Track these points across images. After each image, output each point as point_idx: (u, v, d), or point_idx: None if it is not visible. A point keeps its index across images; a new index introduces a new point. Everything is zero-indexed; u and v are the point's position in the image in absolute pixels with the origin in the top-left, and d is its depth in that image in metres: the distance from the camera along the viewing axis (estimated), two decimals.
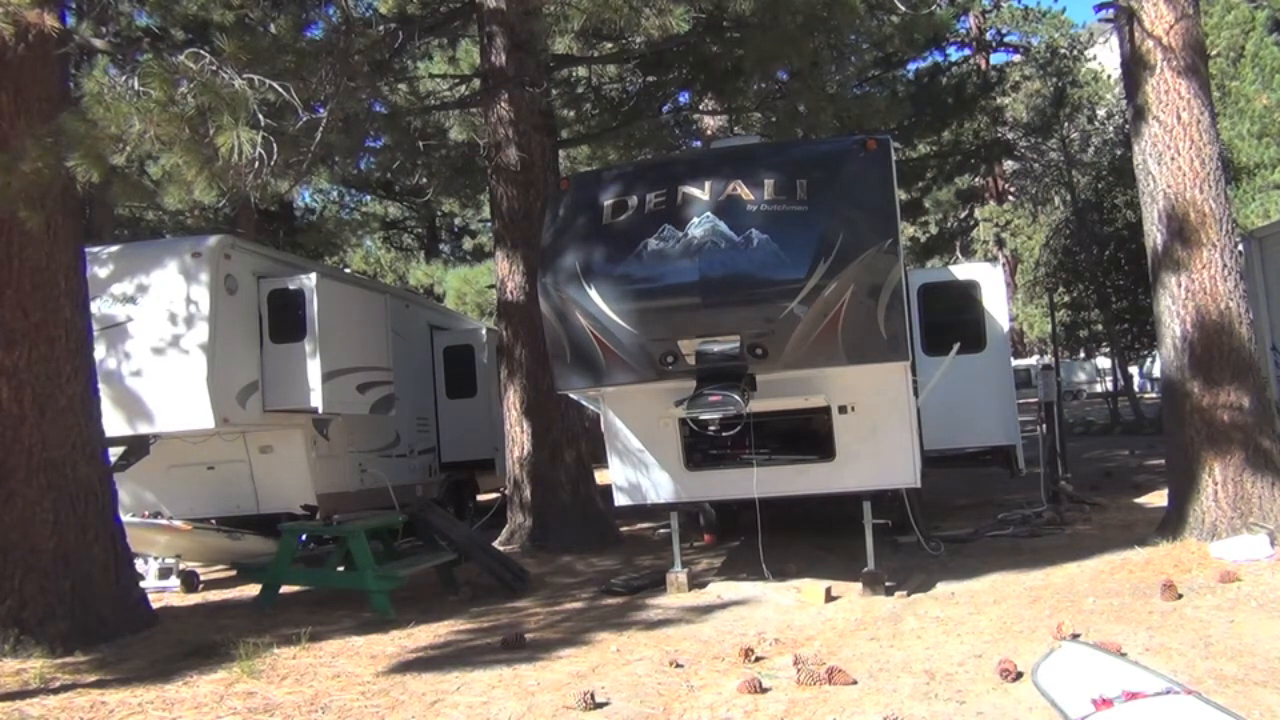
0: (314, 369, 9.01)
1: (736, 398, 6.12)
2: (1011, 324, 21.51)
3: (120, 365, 8.47)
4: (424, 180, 15.88)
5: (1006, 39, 30.19)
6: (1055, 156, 24.69)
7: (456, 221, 27.15)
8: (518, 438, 10.37)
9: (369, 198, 24.23)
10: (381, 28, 10.31)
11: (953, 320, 9.19)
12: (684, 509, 7.87)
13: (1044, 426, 10.79)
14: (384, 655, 5.83)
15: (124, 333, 8.51)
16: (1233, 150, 17.94)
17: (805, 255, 5.97)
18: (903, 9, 10.86)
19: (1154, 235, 7.52)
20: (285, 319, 9.10)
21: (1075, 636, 5.10)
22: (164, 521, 8.49)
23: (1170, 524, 7.43)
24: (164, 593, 8.29)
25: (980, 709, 4.24)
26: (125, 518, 7.28)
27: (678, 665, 5.22)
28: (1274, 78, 18.13)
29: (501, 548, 9.39)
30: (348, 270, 20.00)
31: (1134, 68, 7.57)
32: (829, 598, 6.75)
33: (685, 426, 7.07)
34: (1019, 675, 4.51)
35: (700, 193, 6.30)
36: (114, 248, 9.26)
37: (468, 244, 27.41)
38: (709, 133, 15.09)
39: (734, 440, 6.86)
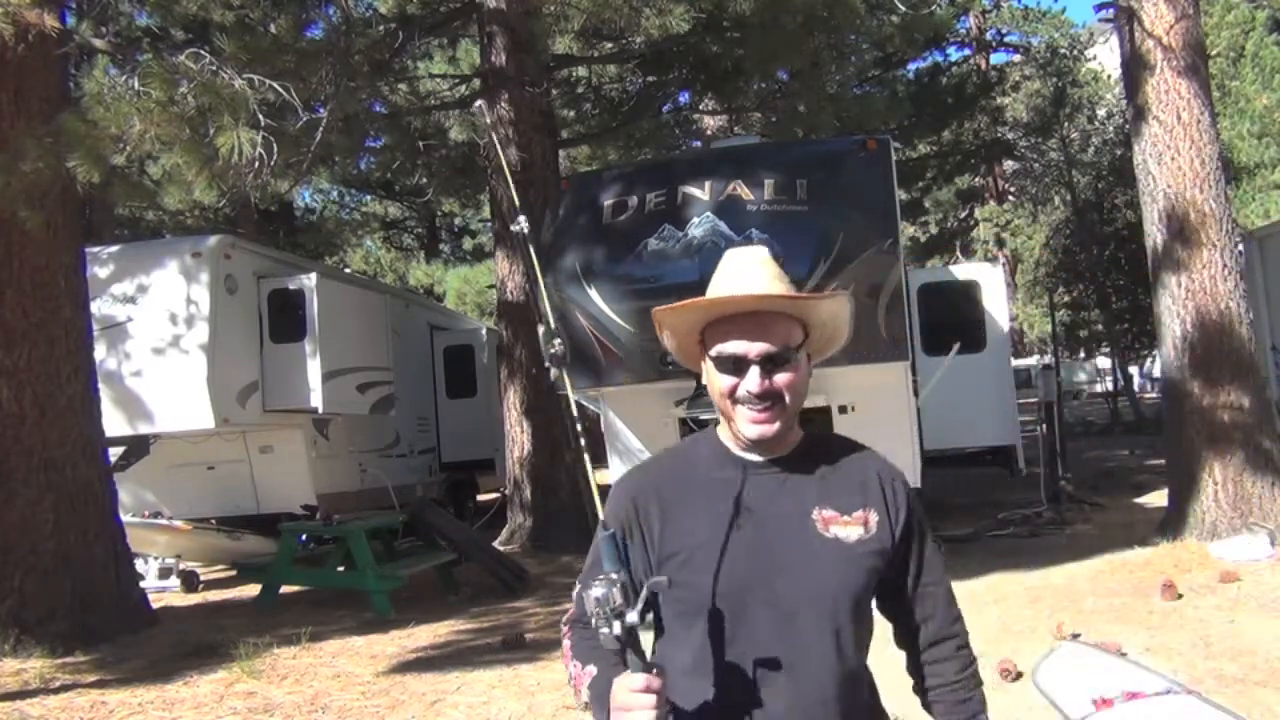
0: (314, 369, 9.01)
1: None
2: (1011, 324, 21.47)
3: (120, 365, 8.47)
4: (424, 180, 15.87)
5: (1006, 39, 30.12)
6: (1055, 156, 24.67)
7: (456, 221, 27.15)
8: (518, 438, 10.36)
9: (369, 198, 24.22)
10: (381, 28, 10.31)
11: (953, 320, 9.17)
12: None
13: (1044, 426, 10.78)
14: (384, 655, 5.83)
15: (124, 333, 8.51)
16: (1233, 150, 17.90)
17: (805, 255, 5.98)
18: (903, 9, 10.86)
19: (1154, 235, 7.52)
20: (285, 319, 9.10)
21: (1075, 636, 5.09)
22: (164, 521, 8.49)
23: (1170, 524, 7.42)
24: (164, 593, 8.29)
25: None
26: (125, 518, 7.28)
27: None
28: (1274, 78, 18.09)
29: (501, 548, 9.39)
30: (348, 270, 20.00)
31: (1134, 68, 7.57)
32: None
33: (685, 426, 7.07)
34: (1019, 675, 4.50)
35: (700, 193, 6.31)
36: (114, 248, 9.26)
37: (468, 244, 27.40)
38: (709, 133, 15.08)
39: None
